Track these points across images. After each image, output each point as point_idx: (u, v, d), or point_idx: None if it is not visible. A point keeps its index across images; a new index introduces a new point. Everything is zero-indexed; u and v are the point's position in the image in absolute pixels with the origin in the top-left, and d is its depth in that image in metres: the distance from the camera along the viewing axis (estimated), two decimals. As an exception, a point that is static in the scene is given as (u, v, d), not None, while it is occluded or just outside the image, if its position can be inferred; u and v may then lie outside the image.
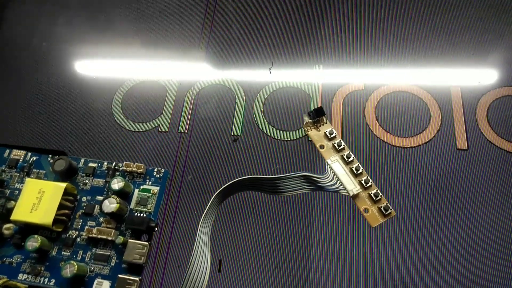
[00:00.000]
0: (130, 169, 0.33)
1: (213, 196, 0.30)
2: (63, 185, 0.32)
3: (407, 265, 0.30)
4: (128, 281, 0.29)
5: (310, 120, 0.34)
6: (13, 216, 0.31)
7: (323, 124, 0.34)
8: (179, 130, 0.37)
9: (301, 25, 0.39)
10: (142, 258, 0.30)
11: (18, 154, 0.35)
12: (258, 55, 0.39)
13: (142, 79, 0.40)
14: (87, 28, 0.43)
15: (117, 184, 0.32)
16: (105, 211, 0.31)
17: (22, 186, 0.34)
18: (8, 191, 0.34)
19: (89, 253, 0.31)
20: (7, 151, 0.36)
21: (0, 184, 0.34)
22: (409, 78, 0.37)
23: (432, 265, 0.30)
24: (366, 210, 0.30)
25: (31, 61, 0.42)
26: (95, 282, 0.30)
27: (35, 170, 0.35)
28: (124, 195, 0.32)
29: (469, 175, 0.32)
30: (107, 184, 0.33)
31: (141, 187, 0.33)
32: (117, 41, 0.43)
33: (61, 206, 0.31)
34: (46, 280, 0.31)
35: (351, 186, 0.31)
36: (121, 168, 0.34)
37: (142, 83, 0.40)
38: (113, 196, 0.31)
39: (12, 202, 0.32)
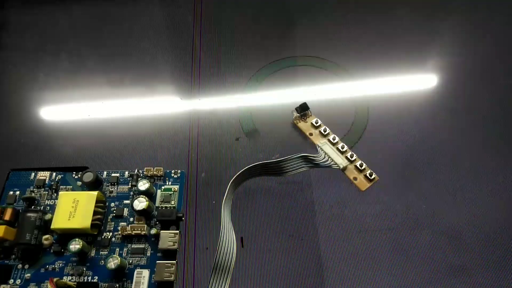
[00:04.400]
0: (151, 173, 0.38)
1: (229, 183, 0.36)
2: (95, 193, 0.36)
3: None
4: (166, 265, 0.34)
5: (298, 114, 0.41)
6: (53, 225, 0.35)
7: (309, 116, 0.41)
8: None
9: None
10: (175, 244, 0.34)
11: (43, 175, 0.39)
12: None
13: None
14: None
15: (143, 185, 0.36)
16: (136, 209, 0.35)
17: (52, 202, 0.38)
18: (40, 208, 0.37)
19: (125, 249, 0.35)
20: (33, 173, 0.39)
21: (31, 202, 0.37)
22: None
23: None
24: (355, 178, 0.37)
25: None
26: (135, 272, 0.34)
27: (62, 186, 0.38)
28: (148, 195, 0.37)
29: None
30: (133, 188, 0.38)
31: (163, 187, 0.38)
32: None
33: (94, 212, 0.36)
34: (90, 278, 0.34)
35: (340, 160, 0.37)
36: (142, 174, 0.38)
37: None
38: (141, 196, 0.36)
39: (48, 214, 0.36)
